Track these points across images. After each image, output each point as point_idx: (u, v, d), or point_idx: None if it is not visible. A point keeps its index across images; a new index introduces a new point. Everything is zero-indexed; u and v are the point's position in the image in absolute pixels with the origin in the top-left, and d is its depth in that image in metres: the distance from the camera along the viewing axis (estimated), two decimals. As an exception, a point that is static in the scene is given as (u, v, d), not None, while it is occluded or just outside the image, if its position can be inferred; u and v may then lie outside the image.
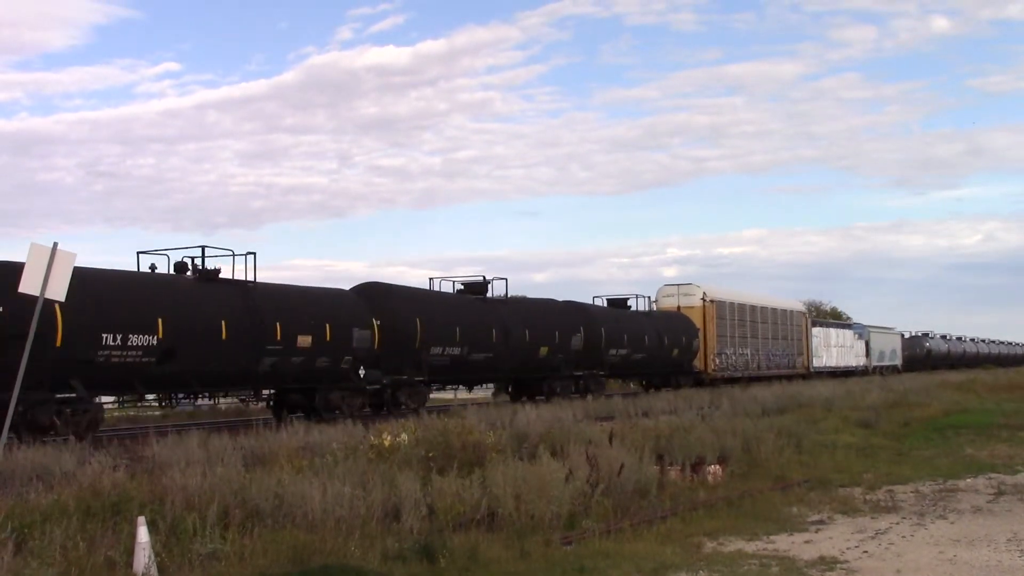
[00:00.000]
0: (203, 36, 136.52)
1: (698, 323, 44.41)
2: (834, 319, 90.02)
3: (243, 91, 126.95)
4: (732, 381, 44.53)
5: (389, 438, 13.98)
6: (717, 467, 14.69)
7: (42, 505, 9.72)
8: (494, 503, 10.73)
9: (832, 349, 62.88)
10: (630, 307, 41.04)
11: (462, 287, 32.39)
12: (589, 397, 32.40)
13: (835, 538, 10.77)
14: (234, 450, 13.92)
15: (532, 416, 18.73)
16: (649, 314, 41.89)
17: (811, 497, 13.44)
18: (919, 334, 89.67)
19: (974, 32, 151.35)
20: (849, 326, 71.11)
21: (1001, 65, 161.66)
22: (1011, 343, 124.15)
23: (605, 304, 40.60)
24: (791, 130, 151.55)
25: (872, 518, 12.03)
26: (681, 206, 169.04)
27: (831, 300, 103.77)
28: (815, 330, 60.37)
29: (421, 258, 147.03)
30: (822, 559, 9.63)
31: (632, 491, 12.34)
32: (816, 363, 58.95)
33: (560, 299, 37.06)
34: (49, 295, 12.75)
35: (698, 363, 44.53)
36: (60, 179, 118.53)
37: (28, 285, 12.71)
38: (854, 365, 66.53)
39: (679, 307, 45.17)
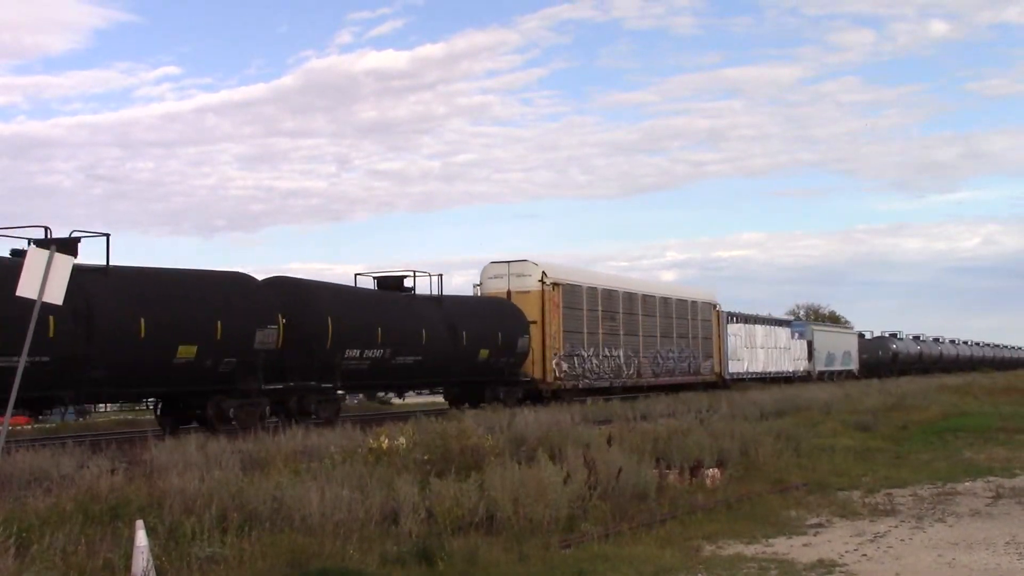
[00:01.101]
0: (202, 40, 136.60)
1: (533, 314, 32.73)
2: (832, 322, 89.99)
3: (242, 95, 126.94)
4: (592, 393, 35.07)
5: (387, 441, 13.98)
6: (715, 470, 14.69)
7: (41, 509, 9.72)
8: (492, 506, 10.73)
9: (758, 351, 52.14)
10: (410, 289, 29.38)
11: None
12: (587, 400, 32.33)
13: (833, 541, 10.77)
14: (232, 454, 13.91)
15: (530, 419, 18.72)
16: (439, 301, 29.64)
17: (809, 500, 13.44)
18: (885, 334, 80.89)
19: (972, 35, 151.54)
20: (787, 323, 60.38)
21: (1000, 68, 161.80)
22: (998, 345, 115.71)
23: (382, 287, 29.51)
24: (790, 133, 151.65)
25: (871, 521, 12.03)
26: (680, 209, 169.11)
27: (830, 303, 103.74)
28: (733, 327, 49.48)
29: (420, 262, 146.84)
30: (820, 562, 9.64)
31: (631, 494, 12.34)
32: (734, 367, 48.44)
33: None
34: (47, 299, 12.73)
35: (533, 369, 32.87)
36: (59, 183, 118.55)
37: (26, 288, 12.70)
38: (790, 370, 56.41)
39: (510, 292, 33.41)
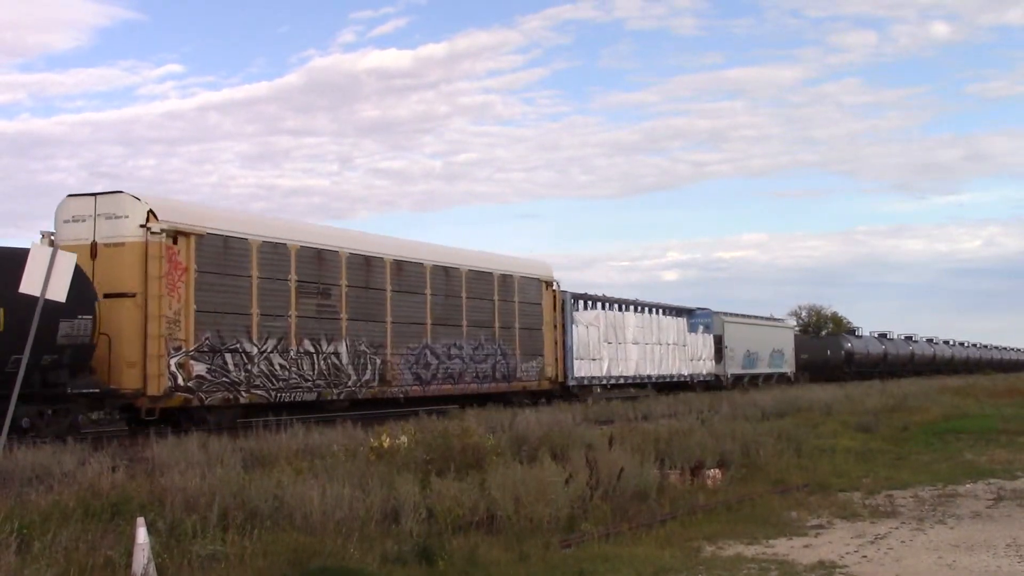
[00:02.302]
0: (205, 38, 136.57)
1: (128, 280, 20.43)
2: (835, 324, 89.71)
3: (245, 93, 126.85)
4: (268, 411, 21.82)
5: (388, 440, 14.00)
6: (716, 471, 14.69)
7: (42, 506, 9.74)
8: (493, 506, 10.74)
9: (628, 348, 39.19)
10: None
11: None
12: (589, 400, 32.33)
13: (834, 542, 10.77)
14: (233, 452, 13.93)
15: (532, 419, 18.73)
16: None
17: (810, 501, 13.44)
18: (843, 333, 73.96)
19: (974, 37, 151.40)
20: (683, 311, 46.93)
21: (1001, 70, 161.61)
22: (992, 347, 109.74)
23: None
24: (791, 134, 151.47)
25: (871, 523, 12.03)
26: (681, 210, 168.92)
27: (831, 304, 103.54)
28: (585, 315, 37.14)
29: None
30: (821, 563, 9.63)
31: (631, 494, 12.35)
32: (584, 370, 35.71)
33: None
34: (49, 296, 12.76)
35: (122, 375, 19.89)
36: (62, 180, 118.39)
37: (28, 286, 12.73)
38: (686, 373, 44.17)
39: (96, 244, 20.77)
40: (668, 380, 42.61)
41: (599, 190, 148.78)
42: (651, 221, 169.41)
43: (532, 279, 33.02)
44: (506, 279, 31.58)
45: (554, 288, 34.32)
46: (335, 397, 24.36)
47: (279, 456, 13.71)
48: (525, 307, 32.36)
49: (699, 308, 48.61)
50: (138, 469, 12.92)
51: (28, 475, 12.21)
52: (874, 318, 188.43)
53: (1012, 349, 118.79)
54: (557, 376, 33.82)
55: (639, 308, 42.50)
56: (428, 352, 27.77)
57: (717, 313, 49.14)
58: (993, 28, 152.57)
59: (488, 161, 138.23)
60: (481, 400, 28.40)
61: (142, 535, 8.20)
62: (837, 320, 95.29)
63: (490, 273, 30.92)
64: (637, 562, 9.45)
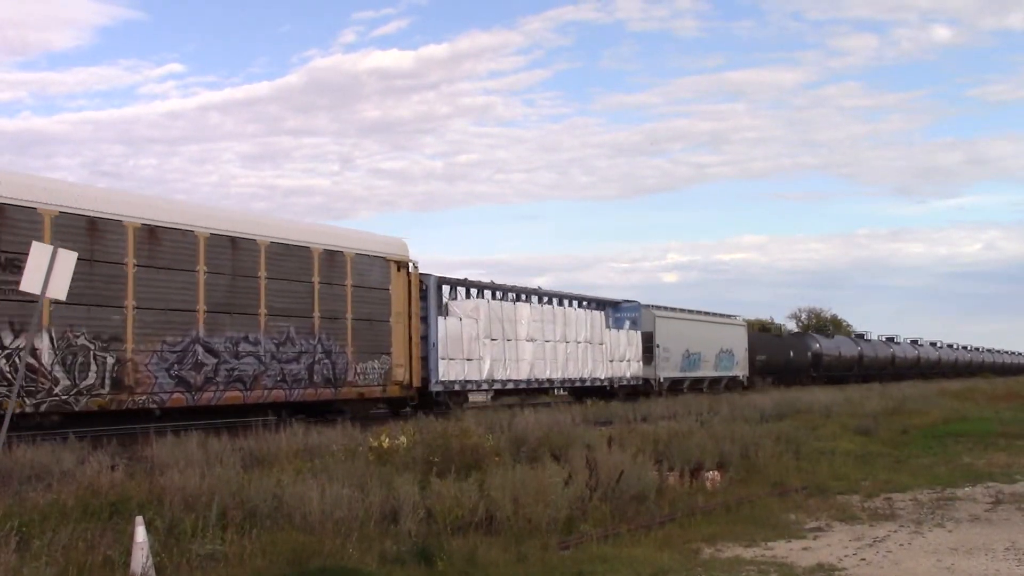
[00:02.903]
0: (207, 38, 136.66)
1: None
2: (834, 327, 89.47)
3: (246, 93, 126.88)
4: None
5: (388, 440, 13.99)
6: (716, 473, 14.70)
7: (41, 504, 9.73)
8: (492, 506, 10.74)
9: (522, 345, 32.52)
10: None
11: None
12: (588, 401, 32.13)
13: (833, 545, 10.78)
14: (233, 451, 13.91)
15: (531, 420, 18.71)
16: None
17: (809, 504, 13.45)
18: (810, 332, 67.13)
19: (975, 41, 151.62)
20: (602, 304, 40.06)
21: (1002, 74, 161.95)
22: (977, 349, 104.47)
23: None
24: (792, 137, 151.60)
25: (870, 526, 12.03)
26: (682, 212, 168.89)
27: (831, 307, 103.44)
28: (460, 304, 31.05)
29: (422, 261, 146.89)
30: (820, 566, 9.64)
31: (630, 496, 12.35)
32: (457, 372, 29.11)
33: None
34: (50, 294, 12.76)
35: None
36: (62, 179, 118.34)
37: (29, 284, 12.73)
38: (603, 377, 37.21)
39: None
40: (579, 385, 36.13)
41: (600, 191, 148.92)
42: (652, 223, 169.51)
43: (375, 257, 25.54)
44: (333, 257, 24.25)
45: (410, 270, 26.79)
46: (27, 409, 17.13)
47: (278, 456, 13.70)
48: (363, 292, 24.99)
49: (625, 301, 41.65)
50: (137, 468, 12.91)
51: (27, 473, 12.18)
52: (874, 321, 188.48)
53: (1007, 352, 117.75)
54: (412, 380, 26.52)
55: (542, 299, 35.45)
56: (200, 348, 20.65)
57: (647, 307, 41.94)
58: (995, 32, 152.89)
59: (489, 162, 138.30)
60: (297, 411, 22.43)
61: (141, 534, 8.21)
62: (837, 323, 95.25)
63: (306, 248, 23.51)
64: (636, 563, 9.45)
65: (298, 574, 8.39)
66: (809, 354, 59.44)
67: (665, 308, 44.27)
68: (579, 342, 36.00)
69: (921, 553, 10.40)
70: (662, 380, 41.77)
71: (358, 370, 24.77)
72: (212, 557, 8.69)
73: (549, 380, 34.53)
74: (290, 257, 22.89)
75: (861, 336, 73.63)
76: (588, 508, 11.51)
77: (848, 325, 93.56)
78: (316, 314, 23.53)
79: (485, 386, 31.32)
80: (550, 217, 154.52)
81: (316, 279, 23.64)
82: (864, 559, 10.05)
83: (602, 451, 13.49)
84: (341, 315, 24.33)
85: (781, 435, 18.80)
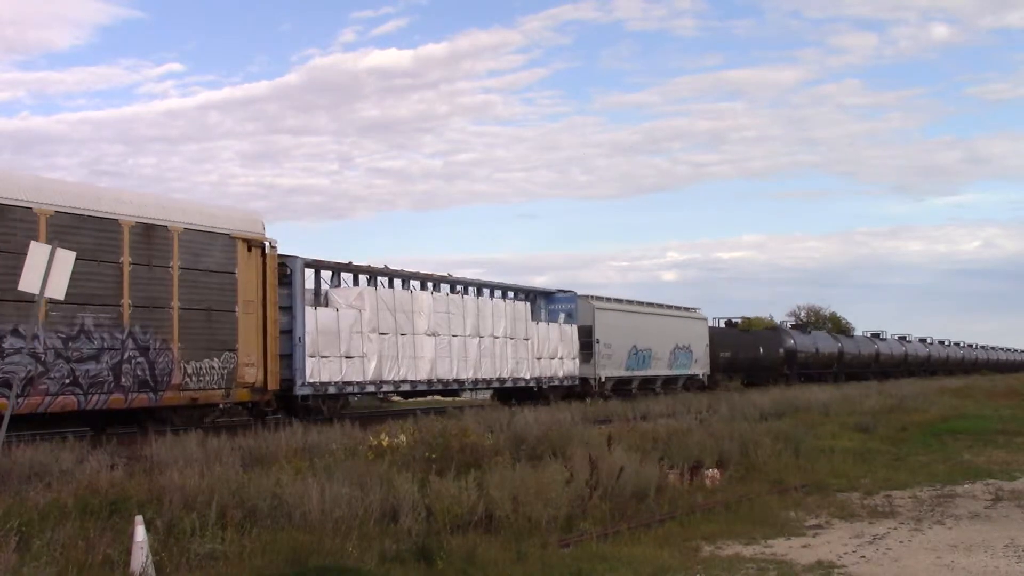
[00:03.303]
0: (206, 37, 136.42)
1: None
2: (833, 324, 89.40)
3: (245, 92, 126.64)
4: None
5: (387, 439, 14.00)
6: (715, 471, 14.70)
7: (41, 503, 9.73)
8: (492, 505, 10.74)
9: (421, 341, 27.79)
10: None
11: None
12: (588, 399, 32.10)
13: (833, 543, 10.78)
14: (232, 450, 13.92)
15: (530, 418, 18.72)
16: None
17: (809, 501, 13.45)
18: (782, 326, 60.65)
19: (974, 40, 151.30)
20: (533, 295, 35.87)
21: (1001, 73, 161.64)
22: (970, 345, 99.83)
23: None
24: (791, 136, 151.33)
25: (870, 523, 12.04)
26: (681, 210, 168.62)
27: (830, 305, 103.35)
28: (339, 292, 26.42)
29: (421, 260, 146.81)
30: (819, 563, 9.64)
31: (630, 494, 12.35)
32: (331, 373, 24.51)
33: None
34: (48, 294, 12.77)
35: None
36: (62, 178, 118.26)
37: (27, 284, 12.74)
38: (529, 376, 32.76)
39: None
40: (498, 386, 32.31)
41: (599, 190, 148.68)
42: (651, 221, 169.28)
43: (214, 234, 21.07)
44: (152, 232, 19.62)
45: (265, 250, 22.37)
46: None
47: (278, 455, 13.70)
48: (197, 276, 20.53)
49: (559, 291, 37.08)
50: (137, 467, 12.91)
51: (27, 473, 12.19)
52: (873, 319, 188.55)
53: (1000, 349, 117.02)
54: (268, 382, 22.06)
55: (455, 288, 31.49)
56: None
57: (584, 297, 37.52)
58: (993, 31, 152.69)
59: (488, 161, 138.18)
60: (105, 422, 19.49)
61: (140, 533, 8.21)
62: (836, 320, 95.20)
63: (112, 220, 18.86)
64: (635, 562, 9.45)
65: (297, 573, 8.39)
66: (782, 350, 54.36)
67: (607, 299, 39.78)
68: (497, 337, 31.45)
69: (921, 550, 10.40)
70: (603, 380, 37.05)
71: (189, 371, 20.11)
72: (211, 556, 8.68)
73: (457, 380, 29.84)
74: (85, 231, 18.08)
75: (843, 331, 69.73)
76: (588, 506, 11.51)
77: (847, 323, 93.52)
78: (126, 302, 18.87)
79: (371, 388, 26.27)
80: (549, 216, 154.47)
81: (126, 259, 18.96)
82: (864, 556, 10.05)
83: (602, 449, 13.49)
84: (164, 303, 19.65)
85: (780, 433, 18.79)
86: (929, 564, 9.72)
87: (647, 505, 12.26)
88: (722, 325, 54.01)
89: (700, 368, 46.03)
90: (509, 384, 32.40)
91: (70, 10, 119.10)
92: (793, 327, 60.30)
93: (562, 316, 36.00)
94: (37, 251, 12.82)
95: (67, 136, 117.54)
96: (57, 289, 12.76)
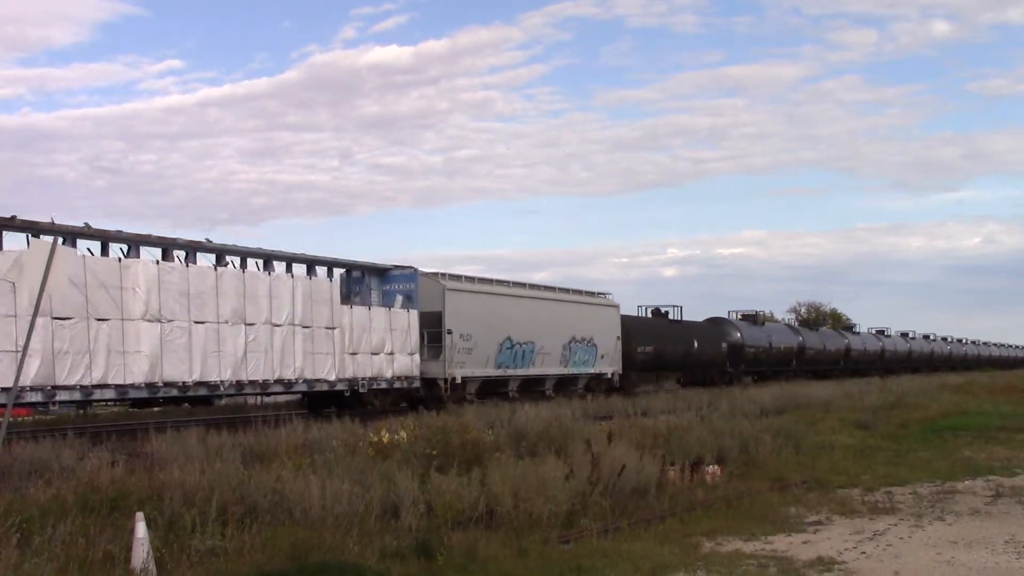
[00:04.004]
0: (207, 34, 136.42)
1: None
2: (834, 320, 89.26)
3: (246, 89, 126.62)
4: None
5: (387, 436, 14.00)
6: (715, 467, 14.70)
7: (41, 500, 9.73)
8: (492, 501, 10.74)
9: (136, 329, 20.55)
10: None
11: None
12: (589, 396, 32.06)
13: (833, 539, 10.78)
14: (232, 447, 13.93)
15: (531, 414, 18.73)
16: None
17: (809, 498, 13.45)
18: (728, 318, 52.14)
19: (974, 36, 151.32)
20: (347, 268, 28.65)
21: (1001, 69, 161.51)
22: (959, 341, 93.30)
23: None
24: (791, 132, 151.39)
25: (870, 519, 12.04)
26: (681, 207, 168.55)
27: (831, 301, 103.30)
28: None
29: (421, 256, 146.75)
30: (820, 560, 9.64)
31: (631, 491, 12.35)
32: None
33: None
34: (49, 289, 12.76)
35: None
36: (62, 174, 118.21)
37: (27, 281, 12.73)
38: (333, 378, 25.59)
39: None
40: (281, 390, 25.06)
41: (599, 187, 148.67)
42: (651, 218, 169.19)
43: None
44: None
45: None
46: None
47: (278, 451, 13.70)
48: None
49: (395, 266, 29.36)
50: (137, 464, 12.92)
51: (27, 469, 12.20)
52: (874, 315, 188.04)
53: (1000, 345, 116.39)
54: None
55: (226, 261, 23.93)
56: None
57: (431, 275, 29.98)
58: (993, 27, 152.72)
59: (488, 157, 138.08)
60: None
61: (141, 530, 8.21)
62: (836, 317, 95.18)
63: None
64: (636, 558, 9.45)
65: (298, 569, 8.38)
66: (724, 345, 47.54)
67: (464, 278, 31.84)
68: (278, 325, 23.99)
69: (921, 546, 10.40)
70: (459, 381, 29.60)
71: None
72: (212, 552, 8.69)
73: (204, 383, 22.22)
74: None
75: (807, 324, 64.32)
76: (588, 502, 11.51)
77: (847, 319, 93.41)
78: None
79: (36, 396, 18.87)
80: (550, 212, 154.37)
81: None
82: (864, 552, 10.05)
83: (602, 446, 13.49)
84: None
85: (780, 430, 18.80)
86: (929, 560, 9.72)
87: (648, 501, 12.26)
88: (648, 315, 46.48)
89: (609, 365, 38.49)
90: (302, 387, 25.21)
91: (71, 7, 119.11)
92: (748, 317, 53.61)
93: (399, 299, 28.67)
94: (37, 249, 12.80)
95: (67, 132, 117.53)
96: (58, 286, 12.75)
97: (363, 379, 26.51)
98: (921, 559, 9.77)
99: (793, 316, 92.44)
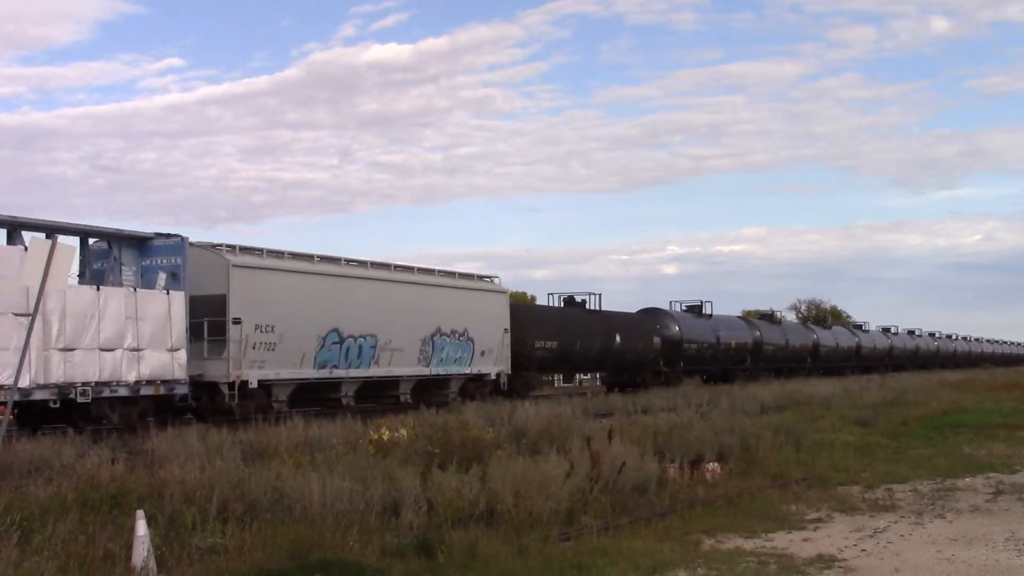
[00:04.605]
0: (207, 32, 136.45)
1: None
2: (834, 318, 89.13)
3: (245, 87, 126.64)
4: None
5: (388, 433, 13.99)
6: (716, 465, 14.70)
7: (42, 498, 9.73)
8: (493, 499, 10.74)
9: None
10: None
11: None
12: (588, 394, 32.01)
13: (833, 536, 10.78)
14: (233, 444, 13.92)
15: (531, 412, 18.72)
16: None
17: (809, 495, 13.45)
18: (669, 309, 44.70)
19: (974, 33, 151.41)
20: (79, 235, 21.49)
21: (1001, 66, 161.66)
22: (932, 335, 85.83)
23: None
24: (791, 129, 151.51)
25: (870, 517, 12.04)
26: (681, 204, 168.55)
27: (831, 299, 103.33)
28: None
29: (421, 254, 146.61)
30: (820, 557, 9.64)
31: (631, 488, 12.35)
32: None
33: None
34: (49, 287, 12.77)
35: None
36: (62, 173, 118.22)
37: (28, 278, 12.73)
38: (26, 385, 16.99)
39: None
40: None
41: (599, 184, 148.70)
42: (651, 215, 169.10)
43: None
44: None
45: None
46: None
47: (279, 449, 13.70)
48: None
49: (157, 234, 22.19)
50: (137, 461, 12.91)
51: (27, 467, 12.19)
52: (873, 312, 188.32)
53: (1000, 342, 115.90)
54: None
55: None
56: None
57: (208, 248, 23.14)
58: (993, 24, 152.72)
59: (488, 155, 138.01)
60: None
61: (142, 527, 8.21)
62: (836, 314, 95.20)
63: None
64: (636, 556, 9.44)
65: (298, 567, 8.38)
66: (656, 340, 40.87)
67: (266, 252, 24.48)
68: None
69: (921, 544, 10.40)
70: (253, 384, 22.87)
71: None
72: (212, 550, 8.68)
73: None
74: None
75: (769, 317, 55.63)
76: (589, 500, 11.51)
77: (848, 317, 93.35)
78: None
79: None
80: (549, 210, 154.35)
81: None
82: (864, 550, 10.05)
83: (603, 443, 13.49)
84: None
85: (781, 427, 18.80)
86: (930, 558, 9.72)
87: (648, 499, 12.26)
88: (559, 304, 39.38)
89: (493, 364, 31.44)
90: None
91: (71, 6, 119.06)
92: (687, 310, 46.00)
93: (163, 277, 21.74)
94: (38, 248, 12.80)
95: (67, 131, 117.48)
96: (57, 284, 12.75)
97: (85, 385, 18.98)
98: (921, 556, 9.77)
99: (794, 314, 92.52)
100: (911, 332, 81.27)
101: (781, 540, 10.56)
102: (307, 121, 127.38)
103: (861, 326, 70.45)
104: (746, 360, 48.38)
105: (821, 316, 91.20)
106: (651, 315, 43.14)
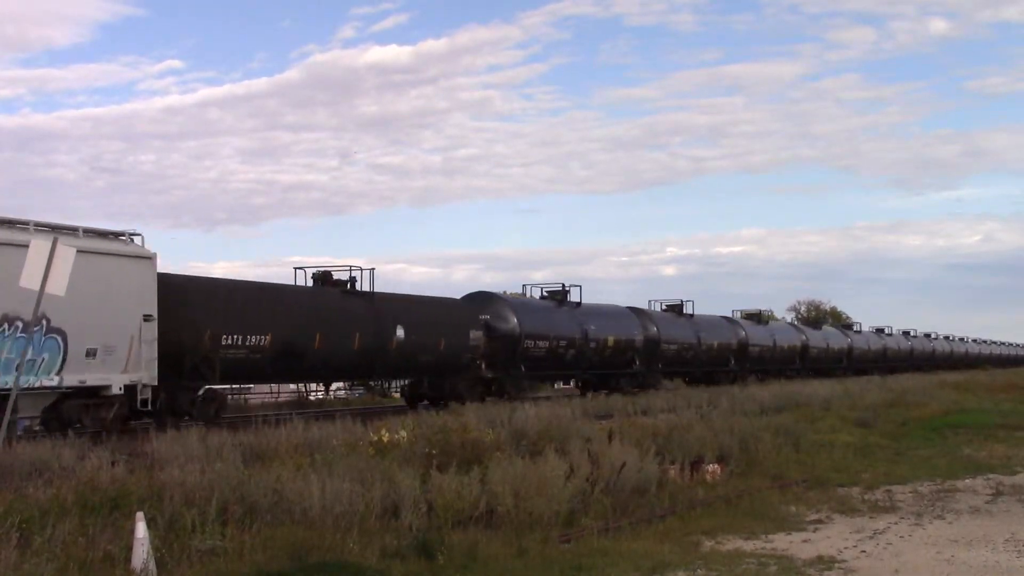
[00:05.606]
0: (206, 34, 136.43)
1: None
2: (834, 319, 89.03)
3: (245, 88, 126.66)
4: None
5: (388, 435, 13.98)
6: (716, 466, 14.70)
7: (42, 500, 9.72)
8: (493, 500, 10.73)
9: None
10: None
11: None
12: (589, 395, 32.02)
13: (833, 537, 10.78)
14: (233, 446, 13.90)
15: (531, 413, 18.70)
16: None
17: (809, 496, 13.45)
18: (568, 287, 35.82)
19: (972, 34, 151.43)
20: None
21: (999, 67, 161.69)
22: (907, 333, 79.12)
23: None
24: (790, 130, 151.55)
25: (870, 518, 12.04)
26: (680, 205, 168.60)
27: (830, 300, 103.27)
28: None
29: (421, 255, 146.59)
30: (820, 558, 9.64)
31: (631, 489, 12.35)
32: None
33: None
34: (49, 290, 12.76)
35: None
36: (62, 175, 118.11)
37: (29, 280, 12.73)
38: None
39: None
40: None
41: (598, 185, 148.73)
42: (650, 216, 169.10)
43: None
44: None
45: None
46: None
47: (279, 451, 13.69)
48: None
49: None
50: (137, 464, 12.90)
51: (27, 469, 12.17)
52: (873, 313, 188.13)
53: (1000, 343, 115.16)
54: None
55: None
56: None
57: None
58: (992, 24, 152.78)
59: (488, 156, 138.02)
60: None
61: (141, 530, 8.20)
62: (836, 315, 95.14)
63: None
64: (636, 557, 9.45)
65: (298, 569, 8.39)
66: (473, 335, 30.00)
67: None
68: None
69: (921, 545, 10.40)
70: None
71: None
72: (212, 552, 8.68)
73: None
74: None
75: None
76: (589, 501, 11.51)
77: (847, 317, 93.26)
78: None
79: None
80: (549, 211, 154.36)
81: None
82: (864, 551, 10.06)
83: (603, 445, 13.49)
84: None
85: (780, 428, 18.81)
86: (930, 559, 9.72)
87: (648, 500, 12.26)
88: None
89: (119, 371, 18.79)
90: None
91: (71, 7, 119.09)
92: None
93: None
94: (38, 248, 12.80)
95: (67, 133, 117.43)
96: (58, 286, 12.74)
97: None
98: (921, 557, 9.77)
99: (793, 315, 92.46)
100: (906, 333, 79.14)
101: (781, 541, 10.56)
102: (307, 123, 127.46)
103: (852, 326, 68.09)
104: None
105: (821, 317, 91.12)
106: (476, 302, 32.01)
